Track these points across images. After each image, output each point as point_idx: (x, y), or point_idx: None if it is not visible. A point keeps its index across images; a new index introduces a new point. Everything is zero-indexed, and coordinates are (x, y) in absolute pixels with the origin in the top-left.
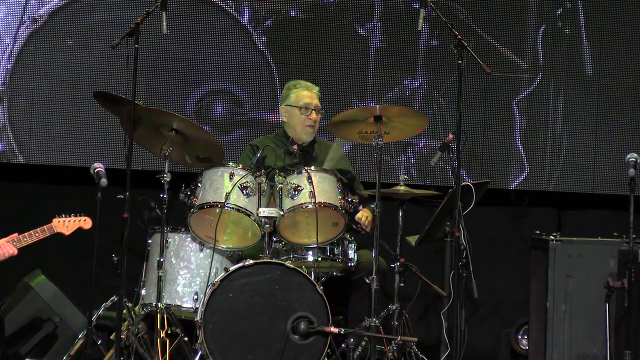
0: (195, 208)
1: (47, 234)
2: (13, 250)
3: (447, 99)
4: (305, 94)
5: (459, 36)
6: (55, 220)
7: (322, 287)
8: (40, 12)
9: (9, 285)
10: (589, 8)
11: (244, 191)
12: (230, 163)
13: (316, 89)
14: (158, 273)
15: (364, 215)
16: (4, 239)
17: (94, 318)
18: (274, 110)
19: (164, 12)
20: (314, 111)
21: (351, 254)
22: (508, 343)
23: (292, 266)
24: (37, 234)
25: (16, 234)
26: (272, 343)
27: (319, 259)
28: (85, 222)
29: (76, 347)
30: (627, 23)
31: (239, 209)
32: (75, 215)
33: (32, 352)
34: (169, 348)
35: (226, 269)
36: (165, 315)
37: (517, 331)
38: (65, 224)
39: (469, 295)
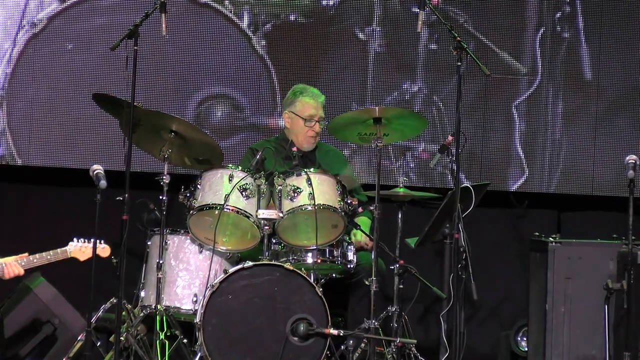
0: (195, 210)
1: (60, 257)
2: (19, 271)
3: (446, 103)
4: (311, 104)
5: (458, 38)
6: (71, 245)
7: (321, 289)
8: (39, 16)
9: (9, 287)
10: (587, 12)
11: (243, 193)
12: (230, 165)
13: (322, 98)
14: (157, 275)
15: (362, 240)
16: (12, 258)
17: (93, 320)
18: (273, 114)
19: (163, 14)
20: (317, 123)
21: (350, 255)
22: (507, 345)
23: (291, 268)
24: (48, 257)
25: (27, 254)
26: (271, 345)
27: (319, 260)
28: (104, 250)
29: (75, 349)
30: (625, 27)
31: (238, 211)
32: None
33: (32, 354)
34: (168, 350)
35: (225, 271)
36: (164, 317)
37: (516, 333)
38: (82, 250)
39: (468, 297)
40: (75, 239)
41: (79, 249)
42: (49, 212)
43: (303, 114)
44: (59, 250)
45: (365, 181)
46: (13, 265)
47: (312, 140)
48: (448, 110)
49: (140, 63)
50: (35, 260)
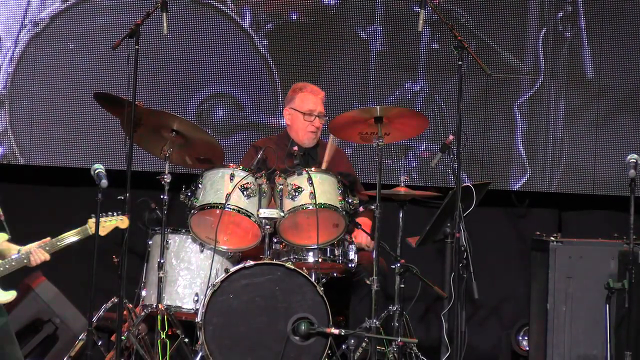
0: (196, 209)
1: (82, 236)
2: (45, 256)
3: (448, 103)
4: (310, 99)
5: (459, 37)
6: (90, 222)
7: (322, 288)
8: (42, 15)
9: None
10: (589, 11)
11: (245, 192)
12: (231, 164)
13: (322, 94)
14: (158, 274)
15: (363, 241)
16: (36, 244)
17: (94, 319)
18: (274, 113)
19: (164, 13)
20: (317, 118)
21: (352, 255)
22: (508, 344)
23: (292, 267)
24: (71, 237)
25: (49, 239)
26: (272, 344)
27: (320, 260)
28: (122, 222)
29: (76, 348)
30: (627, 26)
31: (239, 210)
32: (112, 215)
33: (33, 353)
34: (170, 349)
35: (226, 270)
36: (165, 317)
37: (517, 332)
38: (102, 225)
39: (469, 296)
40: (93, 216)
41: (99, 224)
42: (50, 212)
43: (302, 108)
44: (79, 229)
45: (366, 180)
46: (38, 252)
47: (313, 135)
48: (449, 109)
49: (141, 62)
50: (58, 243)
